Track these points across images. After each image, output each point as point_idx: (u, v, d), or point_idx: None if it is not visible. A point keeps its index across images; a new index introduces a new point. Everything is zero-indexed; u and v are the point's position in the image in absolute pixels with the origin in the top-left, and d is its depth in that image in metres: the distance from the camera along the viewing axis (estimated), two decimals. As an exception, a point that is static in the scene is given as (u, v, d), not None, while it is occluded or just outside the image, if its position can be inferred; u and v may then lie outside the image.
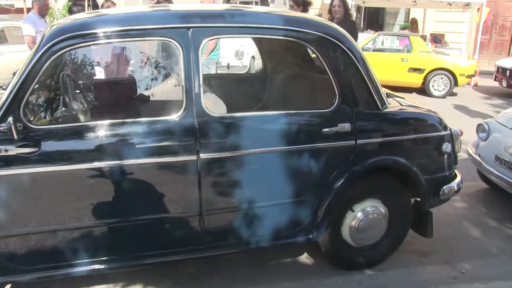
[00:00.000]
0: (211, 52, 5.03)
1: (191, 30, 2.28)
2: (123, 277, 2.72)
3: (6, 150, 2.09)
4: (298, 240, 2.64)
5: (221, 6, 3.58)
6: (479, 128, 4.16)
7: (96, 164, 2.19)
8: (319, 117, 2.52)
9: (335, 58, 2.52)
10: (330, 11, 5.14)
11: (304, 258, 3.04)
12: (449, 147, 2.85)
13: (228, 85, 3.65)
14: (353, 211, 2.73)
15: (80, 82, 3.02)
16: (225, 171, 2.38)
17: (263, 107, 3.44)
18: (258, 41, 3.78)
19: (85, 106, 2.80)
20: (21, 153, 2.10)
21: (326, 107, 2.54)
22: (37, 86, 2.29)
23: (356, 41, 2.91)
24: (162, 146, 2.25)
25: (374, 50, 9.42)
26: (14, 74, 2.30)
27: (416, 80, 9.24)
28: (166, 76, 3.31)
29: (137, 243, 2.40)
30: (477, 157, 4.06)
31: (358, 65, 2.58)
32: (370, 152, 2.63)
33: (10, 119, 2.07)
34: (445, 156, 2.87)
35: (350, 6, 10.44)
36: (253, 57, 9.28)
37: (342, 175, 2.57)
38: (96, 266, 2.35)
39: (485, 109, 8.05)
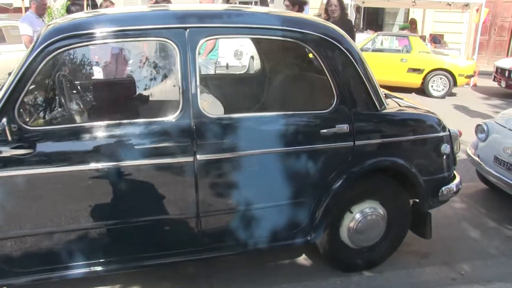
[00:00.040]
0: (210, 52, 5.02)
1: (188, 30, 2.26)
2: (121, 279, 2.70)
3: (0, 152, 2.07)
4: (296, 241, 2.62)
5: (219, 6, 3.55)
6: (478, 128, 4.14)
7: (92, 166, 2.17)
8: (317, 118, 2.50)
9: (333, 59, 2.50)
10: (326, 11, 5.12)
11: (302, 259, 3.02)
12: (448, 148, 2.83)
13: (226, 86, 3.64)
14: (352, 212, 2.72)
15: (76, 82, 3.00)
16: (222, 173, 2.36)
17: (261, 107, 3.43)
18: (256, 42, 3.77)
19: (81, 107, 2.78)
20: (16, 155, 2.08)
21: (324, 108, 2.52)
22: (32, 86, 2.28)
23: (353, 40, 2.89)
24: (158, 147, 2.24)
25: (374, 50, 9.42)
26: (10, 74, 2.27)
27: (415, 80, 9.23)
28: (163, 76, 3.30)
29: (134, 245, 2.39)
30: (476, 158, 4.05)
31: (357, 65, 2.56)
32: (368, 153, 2.61)
33: (4, 120, 2.05)
34: (444, 157, 2.86)
35: (349, 6, 10.51)
36: (252, 57, 9.28)
37: (340, 176, 2.55)
38: (93, 268, 2.33)
39: (484, 109, 8.05)
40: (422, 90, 9.25)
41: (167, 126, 2.25)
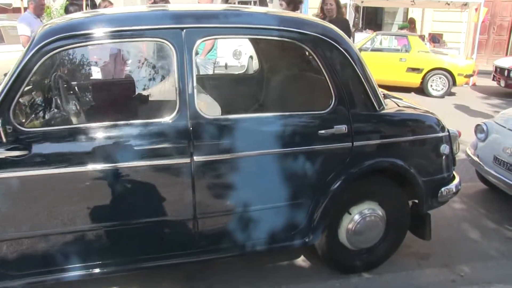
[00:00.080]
0: (209, 52, 5.00)
1: (184, 30, 2.24)
2: (119, 281, 2.68)
3: (-6, 153, 2.04)
4: (294, 243, 2.60)
5: (217, 6, 3.53)
6: (478, 128, 4.12)
7: (88, 168, 2.15)
8: (315, 119, 2.48)
9: (331, 59, 2.48)
10: (322, 10, 5.10)
11: (301, 261, 3.00)
12: (447, 149, 2.81)
13: (224, 86, 3.62)
14: (350, 213, 2.69)
15: (73, 83, 2.98)
16: (219, 174, 2.34)
17: (259, 108, 3.41)
18: (254, 42, 3.75)
19: (78, 108, 2.76)
20: (10, 156, 2.05)
21: (322, 109, 2.50)
22: (27, 87, 2.26)
23: (350, 39, 2.87)
24: (155, 148, 2.22)
25: (373, 50, 9.41)
26: (5, 74, 2.25)
27: (414, 80, 9.22)
28: (160, 77, 3.27)
29: (130, 247, 2.36)
30: (476, 158, 4.03)
31: (355, 66, 2.54)
32: (367, 154, 2.59)
33: None
34: (443, 157, 2.84)
35: (348, 5, 10.49)
36: (251, 57, 9.27)
37: (339, 177, 2.53)
38: (89, 271, 2.31)
39: (483, 108, 8.03)
40: (421, 90, 9.23)
41: (164, 127, 2.23)
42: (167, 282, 2.75)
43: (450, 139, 2.87)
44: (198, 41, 2.28)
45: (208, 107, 2.60)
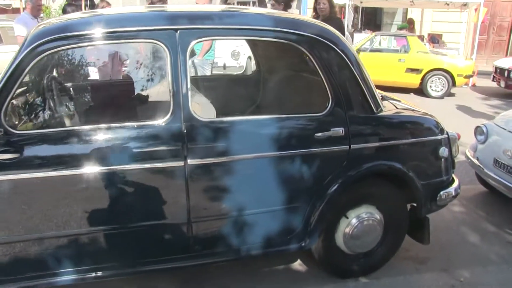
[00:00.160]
0: (206, 52, 4.96)
1: (178, 32, 2.21)
2: (113, 285, 2.64)
3: (-16, 157, 2.00)
4: (291, 247, 2.57)
5: (214, 7, 3.50)
6: (477, 130, 4.08)
7: (81, 170, 2.11)
8: (312, 121, 2.44)
9: (328, 60, 2.45)
10: (315, 9, 5.07)
11: (297, 265, 2.96)
12: (446, 152, 2.78)
13: (221, 87, 3.58)
14: (347, 217, 2.66)
15: (66, 85, 2.94)
16: (213, 177, 2.30)
17: (255, 110, 3.37)
18: (251, 43, 3.71)
19: (70, 110, 2.72)
20: (1, 159, 2.02)
21: (319, 111, 2.46)
22: (20, 89, 2.22)
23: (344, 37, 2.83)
24: (148, 151, 2.18)
25: (372, 51, 9.38)
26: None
27: (413, 80, 9.18)
28: (154, 79, 3.24)
29: (123, 252, 2.33)
30: (475, 160, 3.99)
31: (352, 67, 2.50)
32: (364, 157, 2.56)
33: None
34: (442, 160, 2.81)
35: (347, 6, 10.46)
36: (249, 58, 9.23)
37: (336, 181, 2.49)
38: (81, 275, 2.28)
39: (483, 109, 8.00)
40: (420, 91, 9.20)
41: (157, 130, 2.20)
42: (161, 286, 2.71)
43: (449, 142, 2.84)
44: (193, 42, 2.25)
45: (202, 109, 2.56)
